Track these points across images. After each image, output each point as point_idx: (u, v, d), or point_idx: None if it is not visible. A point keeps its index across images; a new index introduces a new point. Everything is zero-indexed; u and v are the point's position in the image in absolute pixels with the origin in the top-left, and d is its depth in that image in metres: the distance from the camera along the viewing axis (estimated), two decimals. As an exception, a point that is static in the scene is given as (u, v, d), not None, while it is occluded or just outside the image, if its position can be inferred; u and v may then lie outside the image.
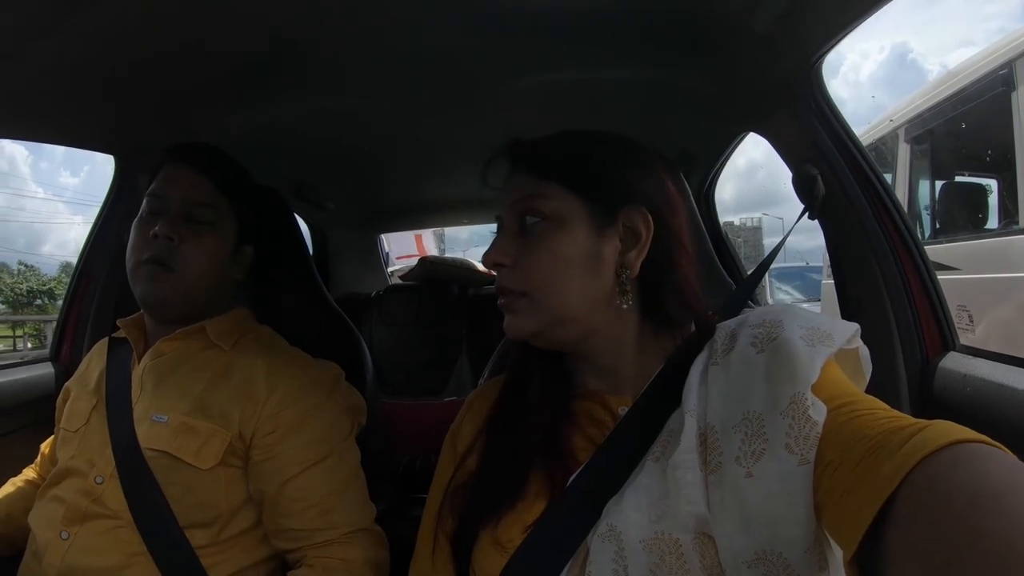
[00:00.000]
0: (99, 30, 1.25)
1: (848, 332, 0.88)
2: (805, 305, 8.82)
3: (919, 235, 5.02)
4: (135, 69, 1.46)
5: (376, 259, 4.41)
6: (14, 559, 1.43)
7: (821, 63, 1.40)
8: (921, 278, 1.40)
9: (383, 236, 4.58)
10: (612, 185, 0.99)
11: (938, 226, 5.24)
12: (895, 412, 0.75)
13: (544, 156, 1.03)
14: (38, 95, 1.48)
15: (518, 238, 1.01)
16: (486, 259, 1.03)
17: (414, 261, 4.12)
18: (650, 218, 0.98)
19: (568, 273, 0.96)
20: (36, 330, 28.08)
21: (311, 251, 3.30)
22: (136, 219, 1.45)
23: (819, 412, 0.76)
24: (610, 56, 1.59)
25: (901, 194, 5.30)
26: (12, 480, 1.61)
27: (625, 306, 0.98)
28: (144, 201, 1.45)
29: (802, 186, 1.49)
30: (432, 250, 8.82)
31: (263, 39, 1.41)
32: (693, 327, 1.02)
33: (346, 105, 1.88)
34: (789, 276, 9.98)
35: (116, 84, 1.52)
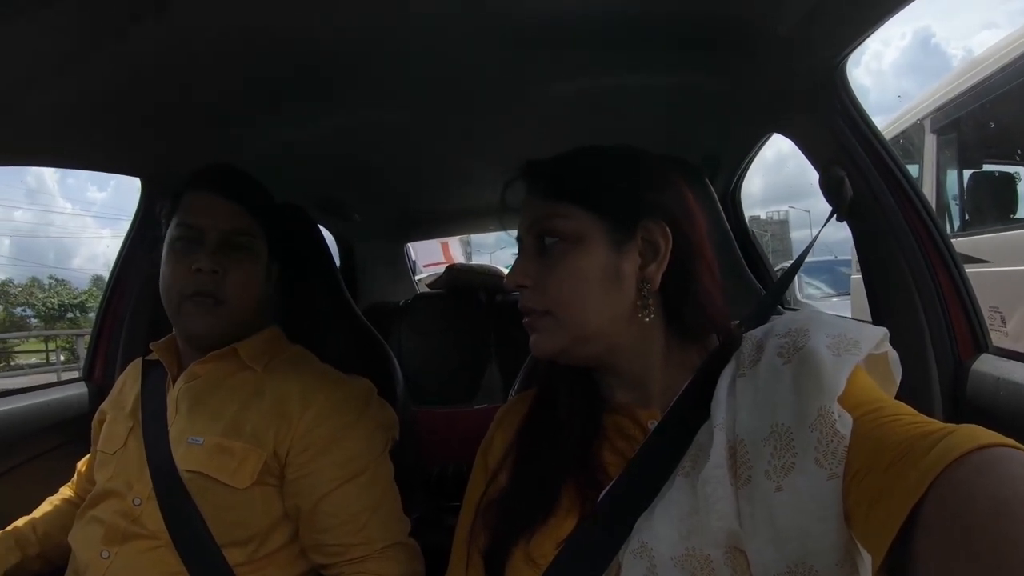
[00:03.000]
0: (125, 58, 1.26)
1: (876, 337, 0.88)
2: (835, 299, 8.77)
3: (948, 227, 4.94)
4: (160, 93, 1.48)
5: (403, 268, 4.43)
6: (51, 575, 1.47)
7: (845, 63, 1.39)
8: (952, 279, 1.38)
9: (409, 245, 4.59)
10: (627, 201, 0.99)
11: (967, 217, 5.17)
12: (922, 417, 0.75)
13: (557, 177, 1.03)
14: (65, 123, 1.50)
15: (538, 258, 1.01)
16: (508, 281, 1.05)
17: (441, 269, 4.15)
18: (668, 231, 0.98)
19: (589, 290, 0.97)
20: (68, 343, 28.41)
21: (338, 263, 3.32)
22: (168, 250, 1.46)
23: (845, 425, 0.76)
24: (632, 62, 1.59)
25: (928, 186, 5.24)
26: (49, 499, 1.64)
27: (647, 319, 0.98)
28: (173, 230, 1.46)
29: (830, 188, 1.48)
30: (458, 257, 8.83)
31: (286, 60, 1.42)
32: (717, 338, 1.02)
33: (369, 119, 1.88)
34: (818, 270, 9.86)
35: (141, 109, 1.54)
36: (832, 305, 8.33)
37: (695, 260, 1.00)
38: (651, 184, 1.02)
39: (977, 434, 0.64)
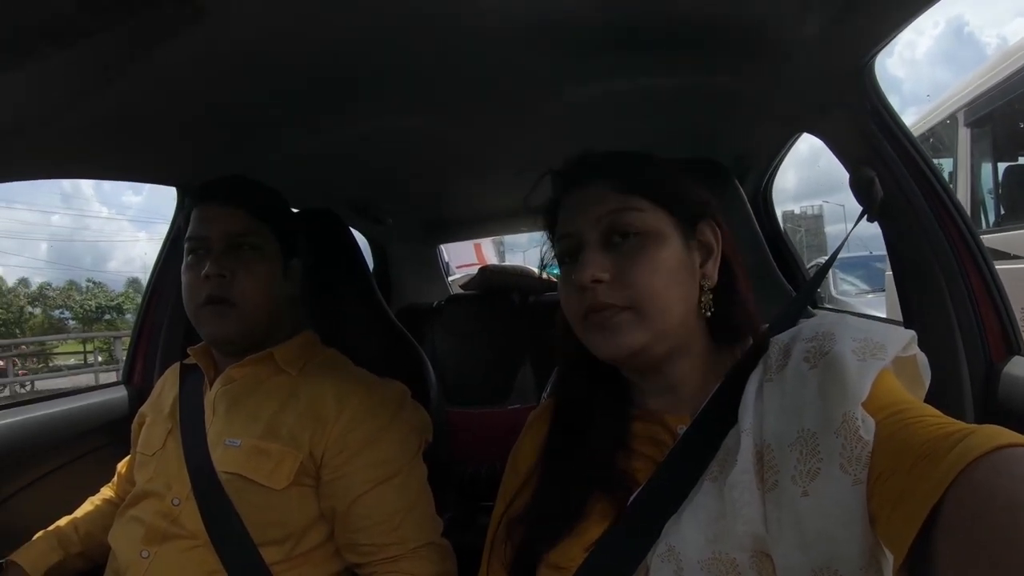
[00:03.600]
0: (158, 71, 1.29)
1: (903, 340, 0.87)
2: (870, 296, 8.63)
3: (983, 223, 4.86)
4: (193, 105, 1.51)
5: (437, 270, 4.44)
6: (92, 573, 1.52)
7: (873, 63, 1.38)
8: (984, 280, 1.36)
9: (442, 246, 4.60)
10: (690, 200, 1.02)
11: (1002, 212, 5.08)
12: (946, 418, 0.75)
13: (629, 171, 1.03)
14: (102, 136, 1.53)
15: (610, 252, 0.99)
16: (584, 276, 0.96)
17: (474, 270, 4.14)
18: (718, 230, 1.01)
19: (673, 283, 0.97)
20: (106, 345, 28.78)
21: (372, 266, 3.34)
22: (183, 266, 1.50)
23: (868, 430, 0.76)
24: (660, 64, 1.58)
25: (963, 180, 5.16)
26: (90, 499, 1.69)
27: (708, 314, 1.00)
28: (185, 247, 1.50)
29: (860, 188, 1.47)
30: (491, 258, 8.80)
31: (315, 68, 1.43)
32: (750, 341, 1.02)
33: (396, 124, 1.90)
34: (853, 266, 9.70)
35: (175, 120, 1.57)
36: (867, 302, 8.20)
37: (733, 261, 1.03)
38: (700, 187, 1.06)
39: (997, 434, 0.65)
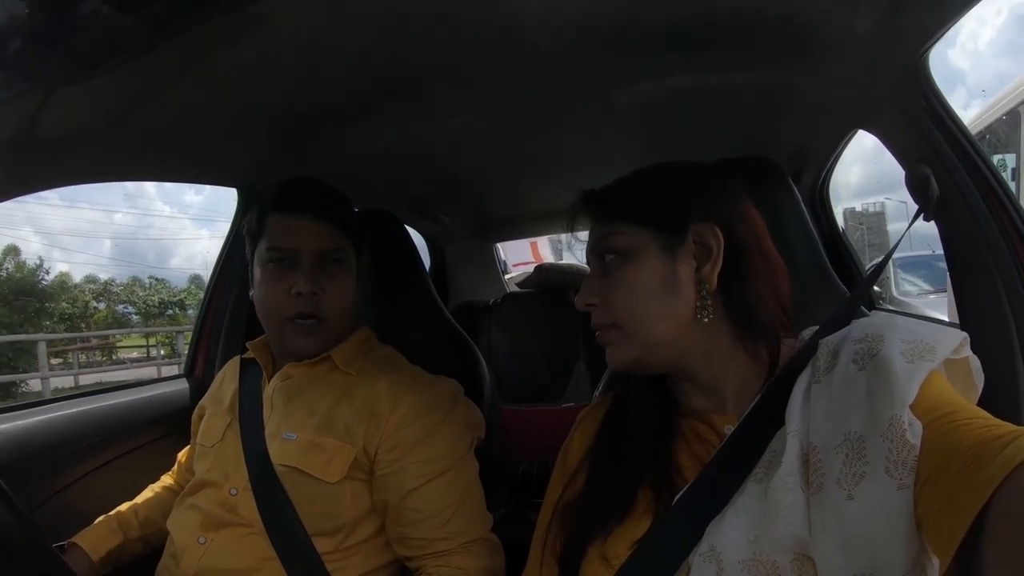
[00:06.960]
0: (219, 75, 1.32)
1: (954, 341, 0.86)
2: (932, 296, 8.44)
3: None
4: (256, 108, 1.54)
5: (493, 268, 4.47)
6: (150, 557, 1.56)
7: (927, 58, 1.35)
8: None
9: (499, 244, 4.62)
10: (673, 207, 1.03)
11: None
12: (995, 421, 0.74)
13: (609, 200, 1.10)
14: (166, 140, 1.57)
15: (601, 277, 1.06)
16: (578, 302, 1.10)
17: (531, 268, 4.17)
18: (719, 231, 1.00)
19: (647, 298, 1.01)
20: (168, 339, 29.36)
21: (429, 264, 3.36)
22: (261, 273, 1.52)
23: (916, 434, 0.75)
24: (714, 62, 1.57)
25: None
26: (151, 486, 1.75)
27: (707, 320, 1.00)
28: (265, 253, 1.52)
29: (915, 186, 1.44)
30: (548, 257, 8.79)
31: (373, 71, 1.45)
32: (796, 342, 1.03)
33: (454, 124, 1.91)
34: (915, 266, 9.39)
35: (237, 124, 1.61)
36: (929, 302, 7.99)
37: (747, 260, 1.02)
38: (697, 189, 1.05)
39: None
